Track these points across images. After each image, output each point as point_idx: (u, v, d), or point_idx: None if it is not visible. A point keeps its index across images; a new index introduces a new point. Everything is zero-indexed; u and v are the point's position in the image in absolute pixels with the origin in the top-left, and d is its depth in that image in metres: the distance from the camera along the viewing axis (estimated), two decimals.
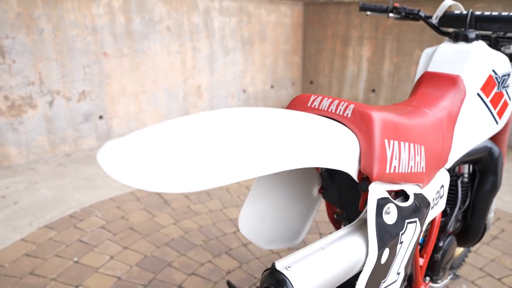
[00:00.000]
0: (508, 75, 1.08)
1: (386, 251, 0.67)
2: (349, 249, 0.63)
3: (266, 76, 4.51)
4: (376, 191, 0.66)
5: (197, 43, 3.72)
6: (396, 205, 0.70)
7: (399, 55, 3.99)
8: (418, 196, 0.77)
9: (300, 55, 4.82)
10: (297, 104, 0.75)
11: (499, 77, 1.05)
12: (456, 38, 1.09)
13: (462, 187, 1.22)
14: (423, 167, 0.81)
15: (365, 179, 0.68)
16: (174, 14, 3.47)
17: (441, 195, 0.97)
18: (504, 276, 1.66)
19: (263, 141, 0.51)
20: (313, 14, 4.57)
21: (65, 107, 2.97)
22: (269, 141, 0.51)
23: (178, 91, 3.70)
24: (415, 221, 0.73)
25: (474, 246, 1.69)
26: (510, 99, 1.12)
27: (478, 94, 1.02)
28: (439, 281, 1.21)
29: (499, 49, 1.18)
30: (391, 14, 1.36)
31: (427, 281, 1.18)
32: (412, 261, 1.01)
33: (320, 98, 0.73)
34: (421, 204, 0.77)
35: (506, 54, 1.18)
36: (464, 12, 1.20)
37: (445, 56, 1.04)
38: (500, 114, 1.10)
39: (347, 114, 0.68)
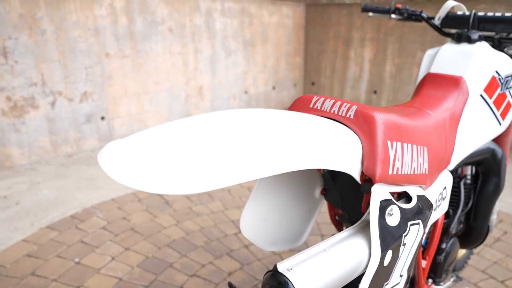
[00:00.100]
0: None
1: (389, 253, 0.66)
2: (351, 251, 0.62)
3: (268, 77, 4.51)
4: (379, 192, 0.66)
5: (199, 44, 3.72)
6: (399, 207, 0.69)
7: (401, 56, 3.99)
8: (421, 198, 0.77)
9: (302, 56, 4.82)
10: (299, 105, 0.75)
11: (503, 78, 1.05)
12: (458, 39, 1.08)
13: (465, 188, 1.22)
14: (426, 168, 0.81)
15: (368, 181, 0.68)
16: (176, 15, 3.48)
17: (443, 196, 0.96)
18: (507, 279, 1.65)
19: (265, 142, 0.51)
20: (315, 15, 4.57)
21: (67, 108, 2.97)
22: (271, 142, 0.51)
23: (180, 92, 3.70)
24: (418, 223, 0.73)
25: (476, 248, 1.69)
26: None
27: (481, 95, 1.01)
28: (441, 283, 1.20)
29: (502, 50, 1.18)
30: (393, 15, 1.36)
31: (429, 283, 1.17)
32: (414, 263, 1.00)
33: (322, 99, 0.73)
34: (424, 206, 0.76)
35: (510, 55, 1.17)
36: (467, 13, 1.19)
37: (448, 57, 1.04)
38: (504, 115, 1.10)
39: (350, 115, 0.67)
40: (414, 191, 0.77)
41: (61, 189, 2.42)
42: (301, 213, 0.90)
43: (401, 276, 0.74)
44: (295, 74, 4.83)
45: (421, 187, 0.82)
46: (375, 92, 4.27)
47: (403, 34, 3.92)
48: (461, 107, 0.97)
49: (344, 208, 0.91)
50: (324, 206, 2.27)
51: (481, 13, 1.17)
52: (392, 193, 0.78)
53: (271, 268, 1.71)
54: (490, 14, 1.15)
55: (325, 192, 0.92)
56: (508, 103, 1.10)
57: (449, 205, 1.19)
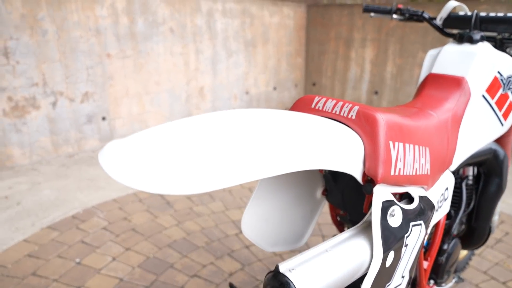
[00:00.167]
0: None
1: (391, 254, 0.66)
2: (353, 252, 0.62)
3: (268, 78, 4.51)
4: (381, 193, 0.66)
5: (200, 45, 3.72)
6: (401, 208, 0.69)
7: (402, 57, 3.98)
8: (422, 199, 0.76)
9: (303, 57, 4.82)
10: (301, 105, 0.75)
11: (505, 79, 1.05)
12: (460, 39, 1.08)
13: (466, 189, 1.21)
14: (428, 169, 0.80)
15: (370, 181, 0.67)
16: (177, 15, 3.48)
17: (445, 197, 0.96)
18: (509, 280, 1.64)
19: (267, 143, 0.50)
20: (316, 16, 4.57)
21: (68, 108, 2.97)
22: (273, 143, 0.51)
23: (181, 92, 3.70)
24: (420, 224, 0.73)
25: (478, 249, 1.68)
26: None
27: (483, 96, 1.01)
28: (443, 284, 1.20)
29: (504, 51, 1.17)
30: (394, 16, 1.35)
31: (431, 284, 1.17)
32: (416, 264, 1.00)
33: (324, 99, 0.72)
34: (426, 207, 0.76)
35: None
36: (469, 13, 1.19)
37: (450, 58, 1.04)
38: (506, 116, 1.09)
39: (352, 116, 0.67)
40: (416, 192, 0.77)
41: (62, 189, 2.43)
42: (303, 213, 0.90)
43: (403, 277, 0.74)
44: (296, 75, 4.83)
45: (423, 188, 0.82)
46: (376, 92, 4.27)
47: (404, 34, 3.91)
48: (463, 108, 0.96)
49: (345, 209, 0.91)
50: (325, 207, 2.27)
51: (483, 14, 1.16)
52: (394, 194, 0.78)
53: (272, 268, 1.71)
54: (492, 14, 1.15)
55: (326, 193, 0.92)
56: (510, 103, 1.09)
57: (451, 206, 1.19)
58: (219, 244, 1.87)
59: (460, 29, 1.21)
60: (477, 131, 1.02)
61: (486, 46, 1.04)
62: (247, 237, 0.79)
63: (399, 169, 0.70)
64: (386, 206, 0.65)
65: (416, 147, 0.75)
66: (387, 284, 0.69)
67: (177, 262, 1.73)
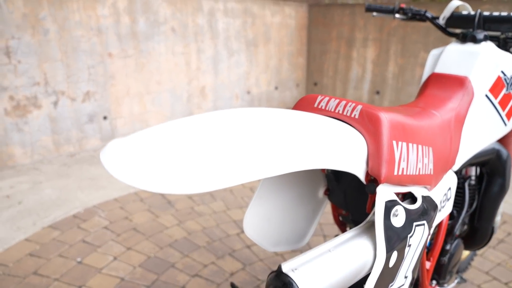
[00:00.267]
0: None
1: (394, 254, 0.66)
2: (356, 252, 0.62)
3: (270, 78, 4.50)
4: (384, 193, 0.65)
5: (201, 44, 3.72)
6: (404, 208, 0.68)
7: (403, 57, 3.97)
8: (425, 199, 0.76)
9: (305, 56, 4.82)
10: (303, 104, 0.74)
11: (508, 78, 1.04)
12: (464, 38, 1.07)
13: (469, 189, 1.21)
14: (431, 169, 0.80)
15: (373, 181, 0.67)
16: (179, 15, 3.48)
17: (448, 197, 0.96)
18: (511, 281, 1.63)
19: (270, 142, 0.50)
20: (318, 15, 4.56)
21: (70, 107, 2.97)
22: (276, 142, 0.50)
23: (182, 92, 3.70)
24: (423, 224, 0.72)
25: (480, 249, 1.68)
26: None
27: (487, 96, 1.00)
28: (445, 285, 1.19)
29: (508, 50, 1.17)
30: (397, 15, 1.35)
31: (433, 285, 1.16)
32: (419, 265, 0.99)
33: (327, 98, 0.72)
34: (429, 207, 0.75)
35: None
36: (472, 12, 1.18)
37: (453, 57, 1.03)
38: (509, 115, 1.09)
39: (355, 115, 0.67)
40: (419, 191, 0.76)
41: (64, 188, 2.43)
42: (305, 213, 0.90)
43: (406, 277, 0.73)
44: (298, 74, 4.82)
45: (426, 187, 0.81)
46: (377, 92, 4.26)
47: (406, 34, 3.91)
48: (466, 108, 0.96)
49: (347, 208, 0.91)
50: (327, 207, 2.26)
51: (486, 13, 1.16)
52: (397, 194, 0.77)
53: (273, 268, 1.70)
54: (495, 13, 1.14)
55: (328, 193, 0.92)
56: None
57: (454, 206, 1.19)
58: (220, 243, 1.87)
59: (463, 29, 1.20)
60: (480, 131, 1.02)
61: (489, 45, 1.04)
62: (249, 237, 0.79)
63: (403, 168, 0.69)
64: (389, 206, 0.65)
65: (420, 146, 0.75)
66: (390, 285, 0.69)
67: (178, 262, 1.72)
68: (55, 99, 2.88)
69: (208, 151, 0.45)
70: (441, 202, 0.92)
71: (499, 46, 1.17)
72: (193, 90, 3.79)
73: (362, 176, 0.65)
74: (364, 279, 0.73)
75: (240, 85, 4.21)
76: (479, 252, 1.84)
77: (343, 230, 1.07)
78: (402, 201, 0.77)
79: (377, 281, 0.63)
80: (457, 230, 1.16)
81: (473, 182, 1.23)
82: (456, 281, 1.34)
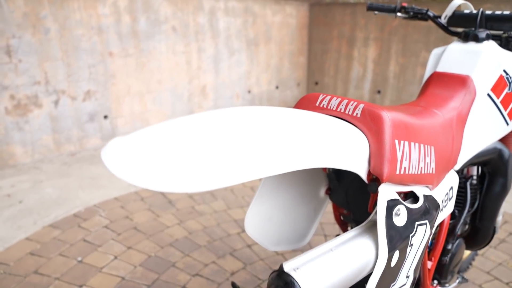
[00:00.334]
0: None
1: (396, 254, 0.65)
2: (358, 251, 0.62)
3: (271, 77, 4.50)
4: (386, 192, 0.65)
5: (202, 44, 3.71)
6: (406, 207, 0.68)
7: (405, 56, 3.97)
8: (427, 198, 0.76)
9: (306, 55, 4.81)
10: (305, 103, 0.74)
11: (510, 77, 1.04)
12: (465, 37, 1.07)
13: (471, 189, 1.20)
14: (433, 168, 0.79)
15: (375, 180, 0.67)
16: (180, 14, 3.47)
17: (450, 197, 0.95)
18: None
19: (271, 140, 0.50)
20: (319, 14, 4.55)
21: (70, 106, 2.97)
22: (277, 141, 0.50)
23: (183, 91, 3.70)
24: (425, 223, 0.72)
25: (482, 249, 1.67)
26: None
27: (489, 95, 1.00)
28: (447, 285, 1.19)
29: (510, 49, 1.16)
30: (399, 14, 1.34)
31: (435, 285, 1.16)
32: (421, 264, 0.99)
33: (328, 97, 0.72)
34: (431, 206, 0.75)
35: None
36: (474, 11, 1.18)
37: (455, 56, 1.03)
38: (511, 115, 1.08)
39: (357, 114, 0.66)
40: (421, 191, 0.76)
41: (64, 187, 2.43)
42: (306, 213, 0.89)
43: (407, 277, 0.73)
44: (299, 74, 4.82)
45: (427, 187, 0.81)
46: (378, 92, 4.25)
47: (407, 33, 3.90)
48: (468, 107, 0.95)
49: (349, 208, 0.90)
50: (328, 206, 2.26)
51: (488, 12, 1.15)
52: (399, 193, 0.77)
53: (274, 268, 1.70)
54: (498, 12, 1.14)
55: (330, 192, 0.91)
56: None
57: (455, 206, 1.18)
58: (221, 243, 1.87)
59: (465, 28, 1.20)
60: (482, 130, 1.01)
61: (491, 44, 1.03)
62: (250, 236, 0.79)
63: (405, 168, 0.69)
64: (391, 205, 0.65)
65: (422, 146, 0.75)
66: (392, 284, 0.68)
67: (179, 261, 1.72)
68: (55, 98, 2.88)
69: (209, 149, 0.45)
70: (443, 201, 0.92)
71: (501, 45, 1.17)
72: (194, 89, 3.78)
73: (364, 175, 0.65)
74: (365, 279, 0.73)
75: (241, 84, 4.20)
76: (480, 251, 1.83)
77: (345, 229, 1.07)
78: (404, 200, 0.76)
79: (379, 280, 0.63)
80: (459, 230, 1.15)
81: (474, 182, 1.22)
82: (457, 281, 1.34)
